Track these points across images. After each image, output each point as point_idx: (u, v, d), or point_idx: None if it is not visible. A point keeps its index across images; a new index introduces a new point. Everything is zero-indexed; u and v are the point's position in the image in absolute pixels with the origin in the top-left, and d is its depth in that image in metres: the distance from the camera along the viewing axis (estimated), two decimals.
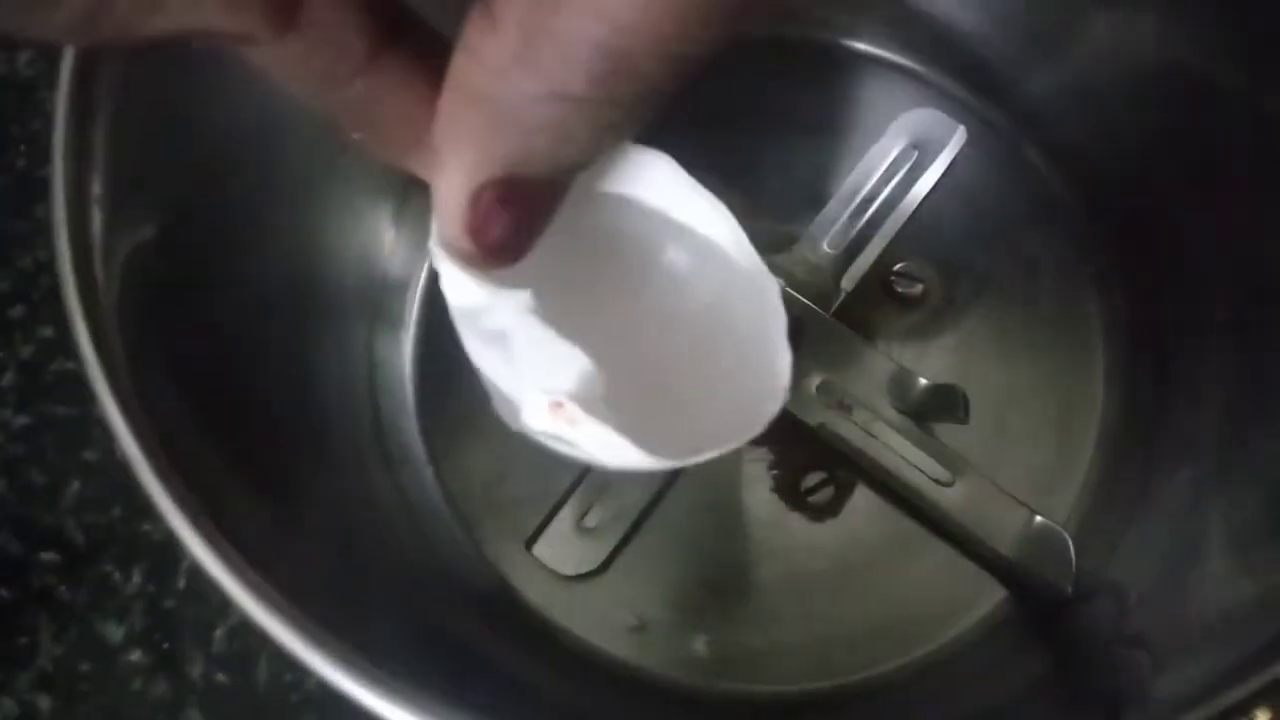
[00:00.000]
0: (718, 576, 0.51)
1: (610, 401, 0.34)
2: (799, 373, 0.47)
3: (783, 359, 0.37)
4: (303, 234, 0.50)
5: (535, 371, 0.33)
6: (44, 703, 0.53)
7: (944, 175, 0.56)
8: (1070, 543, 0.49)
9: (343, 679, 0.33)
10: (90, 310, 0.35)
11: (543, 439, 0.34)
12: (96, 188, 0.37)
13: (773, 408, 0.37)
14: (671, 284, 0.37)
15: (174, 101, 0.41)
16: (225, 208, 0.44)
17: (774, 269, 0.46)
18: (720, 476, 0.53)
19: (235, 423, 0.41)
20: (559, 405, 0.33)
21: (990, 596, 0.51)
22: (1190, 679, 0.37)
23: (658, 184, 0.37)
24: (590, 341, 0.33)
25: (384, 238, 0.55)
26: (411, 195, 0.55)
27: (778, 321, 0.37)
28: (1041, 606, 0.50)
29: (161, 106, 0.40)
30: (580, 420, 0.32)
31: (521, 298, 0.32)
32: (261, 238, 0.47)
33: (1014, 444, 0.53)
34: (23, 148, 0.63)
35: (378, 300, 0.54)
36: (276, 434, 0.45)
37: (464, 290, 0.31)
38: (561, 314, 0.33)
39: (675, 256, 0.37)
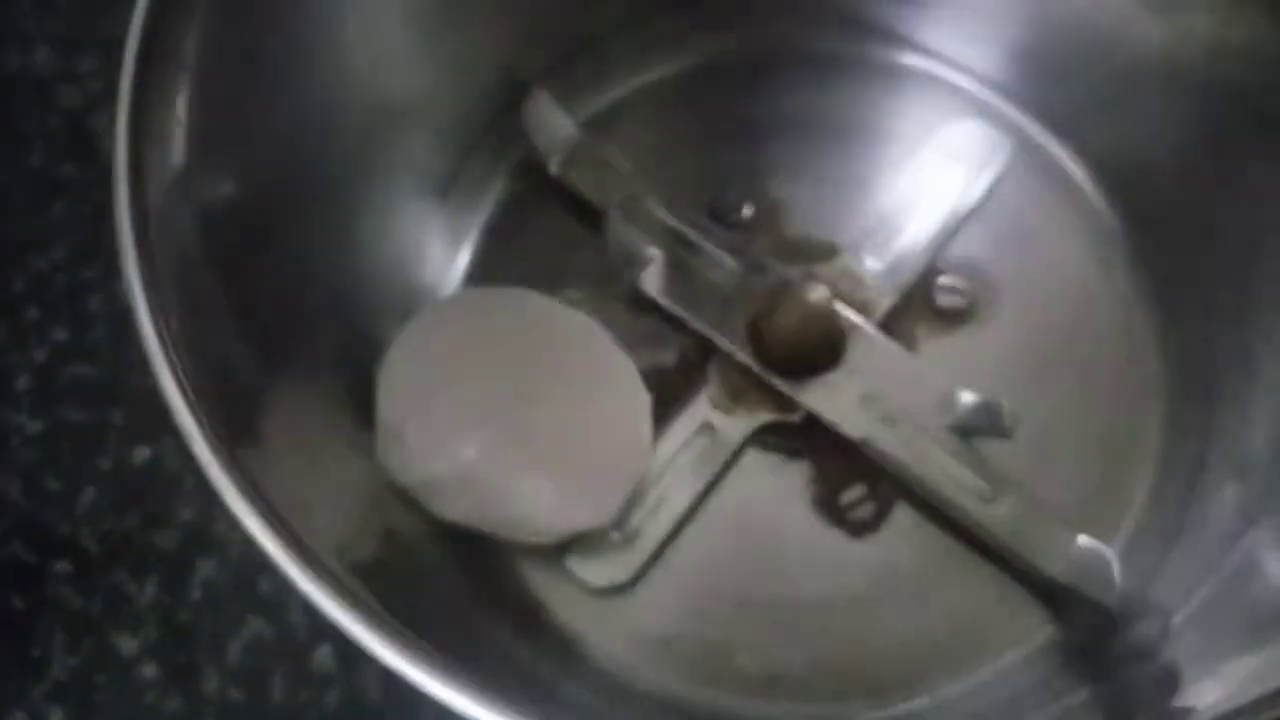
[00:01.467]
0: (752, 592, 0.51)
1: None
2: (842, 385, 0.48)
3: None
4: (343, 227, 0.51)
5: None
6: (56, 715, 0.53)
7: (989, 189, 0.57)
8: (1115, 563, 0.49)
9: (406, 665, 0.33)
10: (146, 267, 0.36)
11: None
12: (161, 150, 0.39)
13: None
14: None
15: (238, 73, 0.43)
16: (273, 190, 0.45)
17: (816, 279, 0.48)
18: (756, 490, 0.52)
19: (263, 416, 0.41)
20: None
21: (1033, 618, 0.50)
22: (1231, 701, 0.36)
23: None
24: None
25: (420, 239, 0.56)
26: (450, 198, 0.56)
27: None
28: (1085, 627, 0.49)
29: (226, 76, 0.42)
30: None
31: None
32: (306, 223, 0.48)
33: (1058, 462, 0.52)
34: (38, 145, 0.64)
35: (411, 300, 0.54)
36: (309, 428, 0.45)
37: None
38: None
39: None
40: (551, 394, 0.49)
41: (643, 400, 0.50)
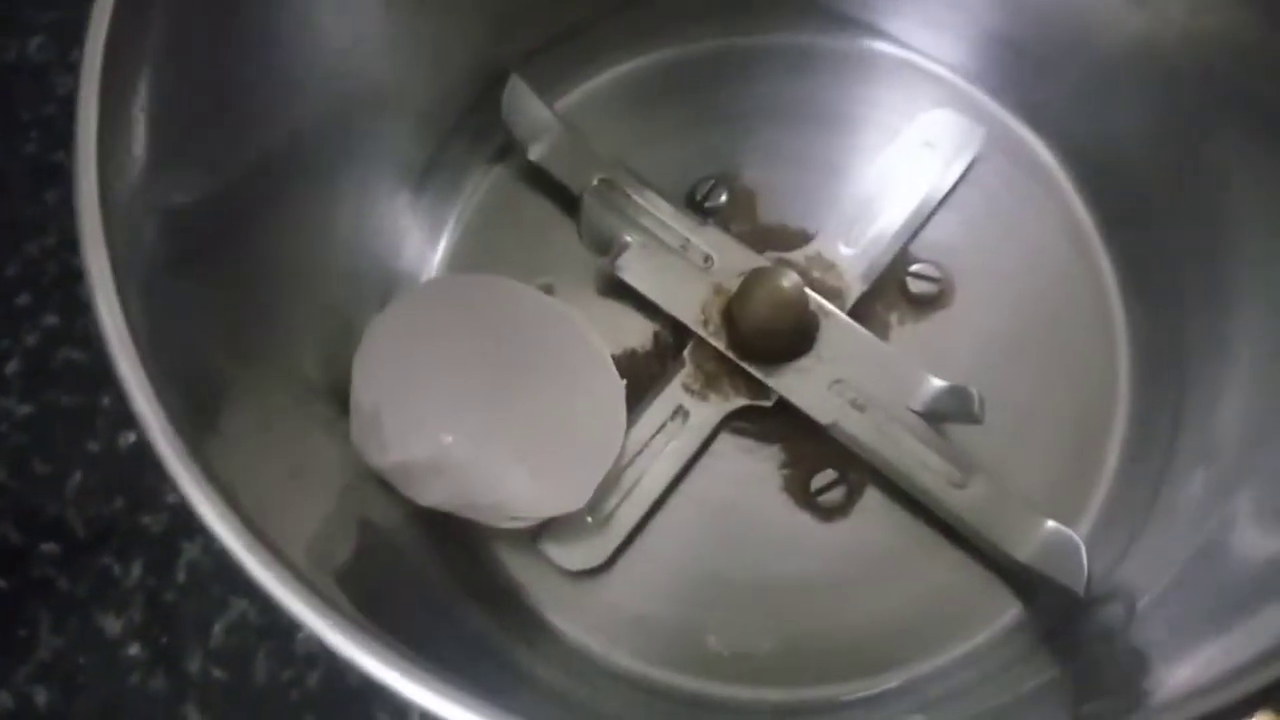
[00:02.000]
0: (724, 575, 0.52)
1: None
2: (813, 370, 0.49)
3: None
4: (320, 215, 0.51)
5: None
6: (41, 695, 0.54)
7: (962, 176, 0.57)
8: (1083, 547, 0.49)
9: (369, 659, 0.33)
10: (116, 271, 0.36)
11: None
12: (128, 145, 0.39)
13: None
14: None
15: (207, 65, 0.43)
16: (248, 177, 0.46)
17: (789, 266, 0.49)
18: (729, 474, 0.53)
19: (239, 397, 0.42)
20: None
21: (1001, 600, 0.51)
22: (1196, 680, 0.37)
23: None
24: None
25: (398, 227, 0.57)
26: (427, 186, 0.57)
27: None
28: (1053, 609, 0.50)
29: (197, 69, 0.43)
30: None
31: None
32: (280, 213, 0.48)
33: (1028, 448, 0.53)
34: (33, 133, 0.65)
35: (389, 288, 0.55)
36: (285, 410, 0.46)
37: None
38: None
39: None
40: (526, 380, 0.50)
41: (617, 386, 0.51)
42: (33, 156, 0.64)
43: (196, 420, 0.37)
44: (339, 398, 0.49)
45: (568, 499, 0.49)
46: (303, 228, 0.50)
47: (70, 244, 0.60)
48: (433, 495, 0.48)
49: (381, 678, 0.33)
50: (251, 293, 0.46)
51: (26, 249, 0.62)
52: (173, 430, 0.35)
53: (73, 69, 0.64)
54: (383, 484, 0.49)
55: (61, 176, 0.63)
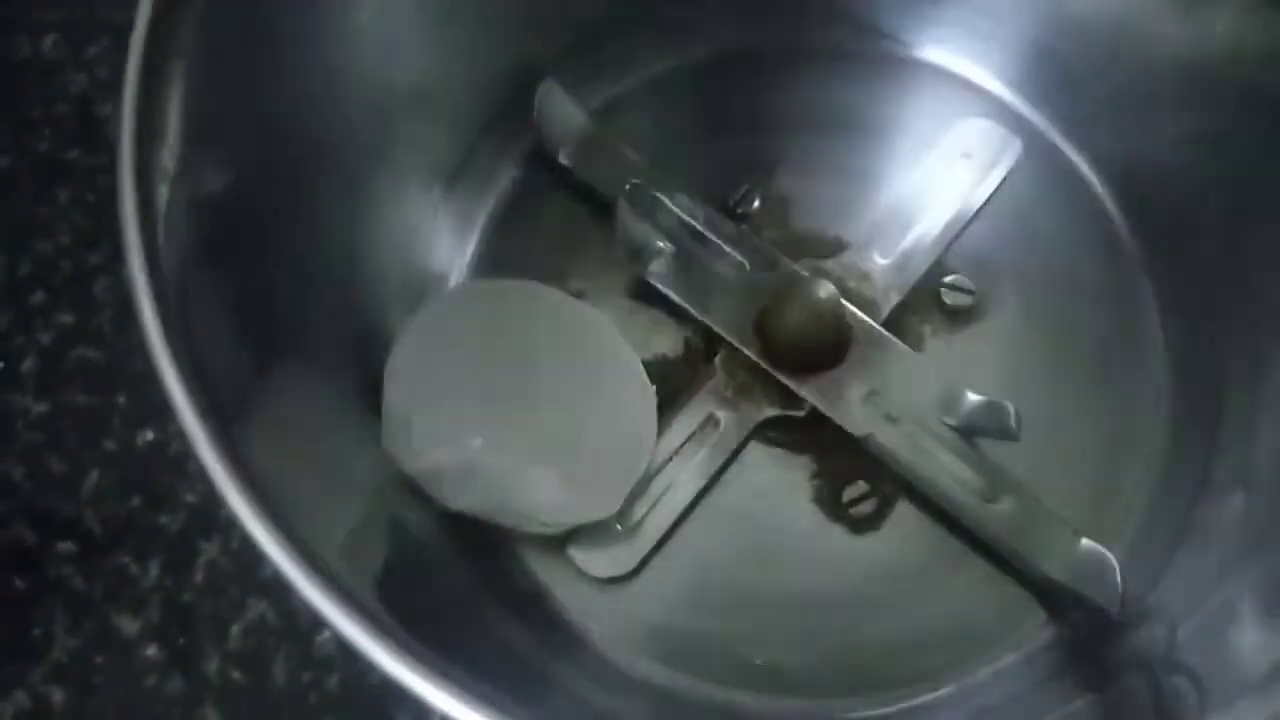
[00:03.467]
0: (753, 586, 0.52)
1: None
2: (847, 382, 0.49)
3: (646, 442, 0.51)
4: (350, 215, 0.52)
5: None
6: (57, 696, 0.54)
7: (998, 188, 0.58)
8: (1116, 566, 0.50)
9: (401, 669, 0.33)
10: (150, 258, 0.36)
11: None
12: (166, 135, 0.39)
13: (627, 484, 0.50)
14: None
15: (245, 58, 0.44)
16: (281, 176, 0.46)
17: (823, 275, 0.49)
18: (759, 484, 0.54)
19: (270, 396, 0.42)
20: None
21: (1033, 618, 0.52)
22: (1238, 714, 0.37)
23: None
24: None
25: (427, 229, 0.57)
26: (457, 188, 0.57)
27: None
28: (1085, 630, 0.51)
29: (234, 62, 0.43)
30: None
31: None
32: (312, 211, 0.49)
33: (1061, 464, 0.53)
34: (46, 131, 0.65)
35: (418, 290, 0.56)
36: (316, 411, 0.46)
37: None
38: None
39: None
40: (557, 386, 0.50)
41: (648, 394, 0.51)
42: (45, 155, 0.64)
43: (229, 415, 0.37)
44: (370, 401, 0.50)
45: (598, 505, 0.50)
46: (333, 227, 0.51)
47: (84, 242, 0.61)
48: (463, 500, 0.49)
49: (407, 682, 0.33)
50: (283, 291, 0.46)
51: (40, 248, 0.62)
52: (206, 424, 0.35)
53: (85, 67, 0.65)
54: (413, 488, 0.49)
55: (74, 175, 0.64)
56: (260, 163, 0.45)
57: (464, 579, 0.50)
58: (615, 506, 0.50)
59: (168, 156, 0.40)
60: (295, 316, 0.47)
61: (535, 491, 0.49)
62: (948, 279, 0.56)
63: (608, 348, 0.52)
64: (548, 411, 0.50)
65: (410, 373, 0.50)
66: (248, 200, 0.44)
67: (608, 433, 0.51)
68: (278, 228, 0.46)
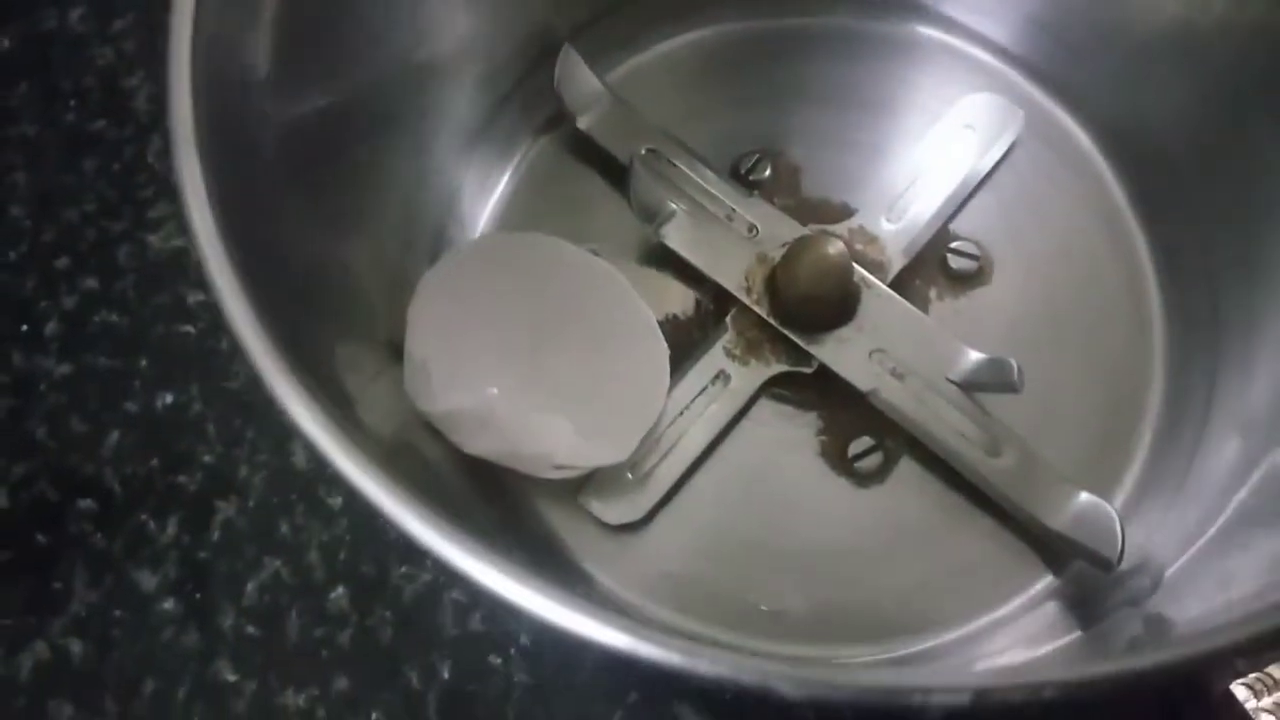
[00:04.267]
0: (760, 537, 0.53)
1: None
2: (854, 339, 0.51)
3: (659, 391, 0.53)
4: (381, 166, 0.54)
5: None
6: (76, 648, 0.55)
7: (1002, 159, 0.59)
8: (1117, 518, 0.51)
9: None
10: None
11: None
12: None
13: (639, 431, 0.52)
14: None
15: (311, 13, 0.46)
16: (325, 123, 0.48)
17: (833, 237, 0.51)
18: (768, 438, 0.55)
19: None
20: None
21: (1033, 570, 0.53)
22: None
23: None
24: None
25: (449, 186, 0.59)
26: (479, 149, 0.59)
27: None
28: (1083, 581, 0.52)
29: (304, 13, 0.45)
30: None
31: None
32: (348, 161, 0.51)
33: (1062, 421, 0.55)
34: (72, 103, 0.67)
35: (439, 245, 0.58)
36: (346, 347, 0.48)
37: None
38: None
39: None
40: (572, 336, 0.52)
41: (660, 345, 0.53)
42: (71, 126, 0.66)
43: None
44: (394, 346, 0.51)
45: (611, 451, 0.51)
46: (366, 176, 0.52)
47: (109, 210, 0.63)
48: (479, 444, 0.50)
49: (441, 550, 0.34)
50: (320, 226, 0.48)
51: (65, 215, 0.64)
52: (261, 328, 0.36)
53: (111, 40, 0.67)
54: (433, 432, 0.50)
55: (100, 145, 0.65)
56: (309, 109, 0.47)
57: (481, 520, 0.51)
58: (627, 454, 0.51)
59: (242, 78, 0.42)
60: (328, 257, 0.49)
61: (549, 439, 0.50)
62: (953, 244, 0.58)
63: (622, 301, 0.53)
64: (562, 361, 0.51)
65: (430, 320, 0.51)
66: (293, 138, 0.46)
67: (621, 382, 0.52)
68: (318, 171, 0.48)
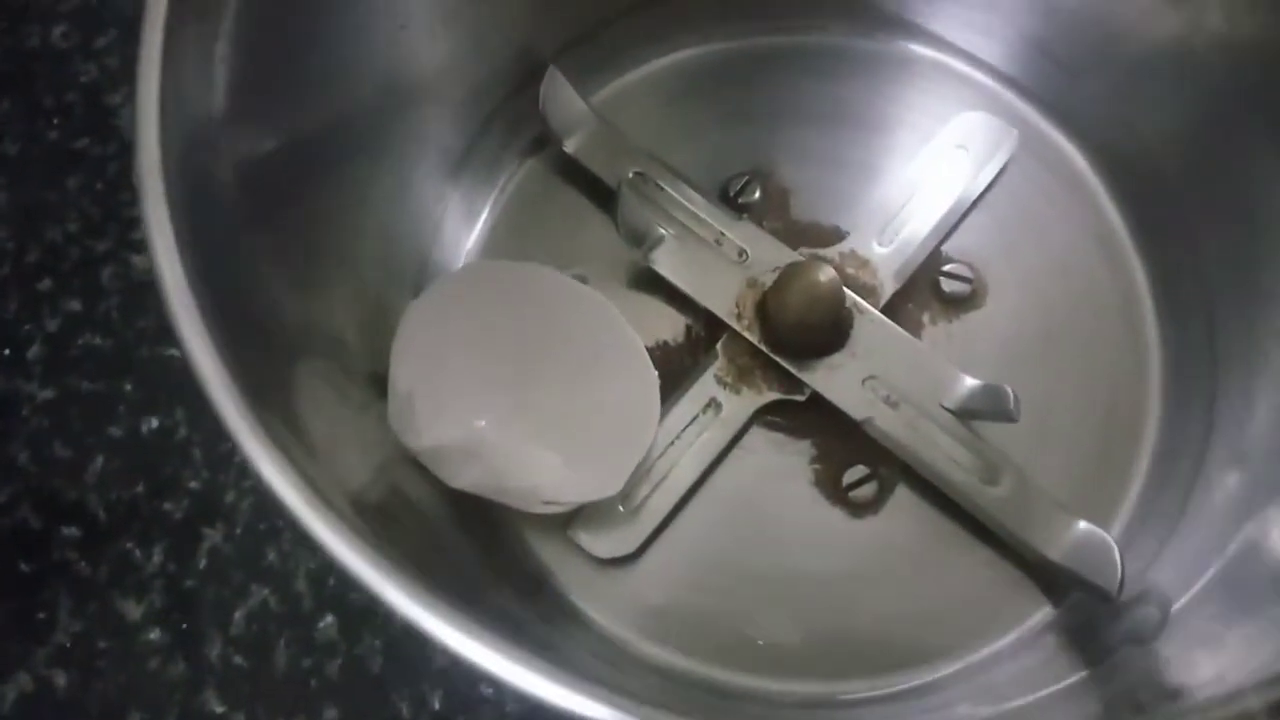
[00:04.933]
0: (754, 568, 0.53)
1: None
2: (847, 366, 0.50)
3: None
4: (359, 195, 0.53)
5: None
6: (60, 678, 0.55)
7: (995, 179, 0.59)
8: (1115, 548, 0.50)
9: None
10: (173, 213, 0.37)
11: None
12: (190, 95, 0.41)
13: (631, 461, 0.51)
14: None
15: (269, 38, 0.45)
16: (295, 154, 0.48)
17: (823, 262, 0.50)
18: (760, 468, 0.55)
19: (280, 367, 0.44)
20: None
21: (1031, 600, 0.53)
22: (1225, 685, 0.38)
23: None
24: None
25: (432, 214, 0.59)
26: (463, 174, 0.59)
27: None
28: (1083, 611, 0.52)
29: (260, 39, 0.44)
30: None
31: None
32: (323, 191, 0.50)
33: (1059, 447, 0.55)
34: (55, 120, 0.66)
35: (422, 275, 0.57)
36: (324, 385, 0.47)
37: None
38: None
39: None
40: (560, 367, 0.51)
41: (650, 378, 0.52)
42: (54, 143, 0.66)
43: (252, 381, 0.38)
44: (376, 381, 0.51)
45: (600, 486, 0.51)
46: (343, 208, 0.52)
47: (93, 230, 0.62)
48: (465, 478, 0.50)
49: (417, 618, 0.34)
50: (294, 265, 0.47)
51: (48, 234, 0.63)
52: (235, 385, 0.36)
53: (95, 57, 0.66)
54: (419, 467, 0.50)
55: (83, 163, 0.65)
56: (275, 136, 0.47)
57: (466, 554, 0.51)
58: (617, 488, 0.51)
59: (192, 111, 0.41)
60: (304, 291, 0.48)
61: (537, 472, 0.50)
62: (946, 267, 0.57)
63: (610, 330, 0.53)
64: (551, 393, 0.51)
65: (413, 352, 0.51)
66: (262, 173, 0.45)
67: (610, 415, 0.52)
68: (288, 204, 0.47)
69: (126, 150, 0.65)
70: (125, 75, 0.66)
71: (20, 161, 0.65)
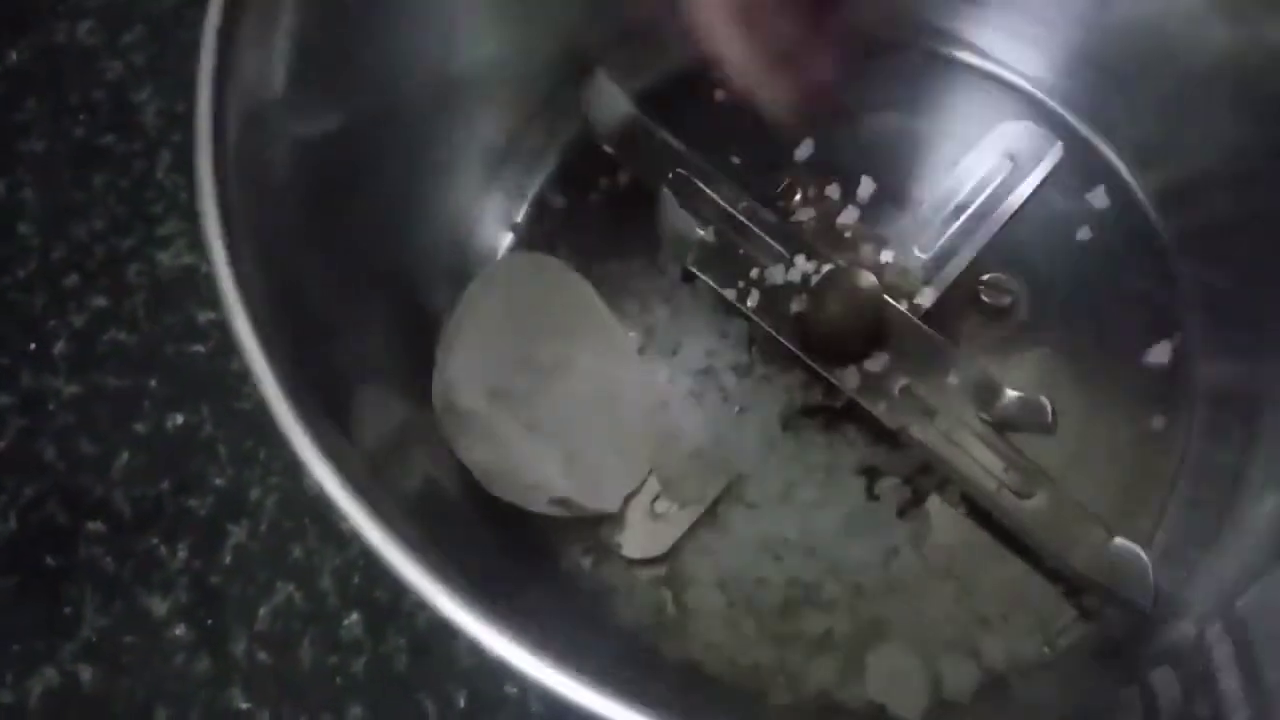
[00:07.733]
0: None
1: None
2: (884, 374, 0.52)
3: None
4: (405, 187, 0.55)
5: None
6: (86, 674, 0.57)
7: (1037, 189, 0.60)
8: (1149, 564, 0.52)
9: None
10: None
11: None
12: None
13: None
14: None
15: (328, 28, 0.47)
16: (349, 145, 0.50)
17: (863, 269, 0.51)
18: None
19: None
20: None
21: (1064, 614, 0.54)
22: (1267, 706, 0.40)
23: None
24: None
25: (473, 207, 0.61)
26: (505, 170, 0.61)
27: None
28: (1116, 626, 0.53)
29: (319, 30, 0.46)
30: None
31: None
32: (373, 182, 0.52)
33: (1094, 462, 0.56)
34: (82, 117, 0.68)
35: (462, 267, 0.59)
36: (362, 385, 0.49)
37: None
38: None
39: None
40: (574, 379, 0.55)
41: (659, 409, 0.56)
42: (81, 140, 0.68)
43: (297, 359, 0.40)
44: (410, 362, 0.53)
45: (599, 501, 0.54)
46: (390, 198, 0.54)
47: (119, 227, 0.64)
48: (476, 452, 0.53)
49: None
50: (338, 264, 0.49)
51: (74, 232, 0.65)
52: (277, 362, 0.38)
53: (121, 54, 0.68)
54: (454, 468, 0.53)
55: (110, 160, 0.67)
56: (326, 139, 0.49)
57: (498, 558, 0.53)
58: (615, 507, 0.54)
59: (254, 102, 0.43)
60: (350, 277, 0.50)
61: (539, 465, 0.52)
62: (986, 277, 0.59)
63: (626, 359, 0.56)
64: (560, 393, 0.54)
65: (461, 320, 0.54)
66: (316, 164, 0.47)
67: (613, 436, 0.55)
68: (341, 195, 0.50)
69: (152, 147, 0.67)
70: (151, 72, 0.68)
71: (46, 159, 0.67)
